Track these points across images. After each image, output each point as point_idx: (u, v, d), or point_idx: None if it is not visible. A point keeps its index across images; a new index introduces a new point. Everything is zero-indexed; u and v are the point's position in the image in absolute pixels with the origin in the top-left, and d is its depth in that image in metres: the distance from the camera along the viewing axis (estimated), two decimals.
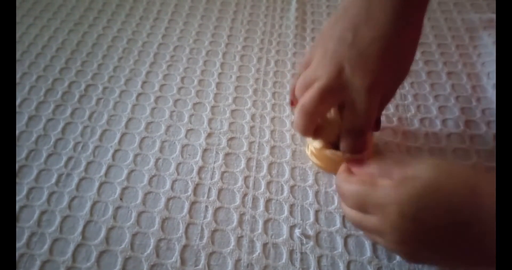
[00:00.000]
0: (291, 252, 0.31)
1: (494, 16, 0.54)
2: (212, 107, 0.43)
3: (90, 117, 0.41)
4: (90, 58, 0.49)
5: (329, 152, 0.34)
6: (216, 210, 0.34)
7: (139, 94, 0.44)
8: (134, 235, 0.32)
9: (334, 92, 0.30)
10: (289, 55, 0.49)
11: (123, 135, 0.40)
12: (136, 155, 0.38)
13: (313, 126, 0.32)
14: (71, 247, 0.31)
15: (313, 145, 0.36)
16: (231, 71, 0.47)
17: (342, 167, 0.31)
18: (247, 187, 0.35)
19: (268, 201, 0.34)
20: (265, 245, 0.32)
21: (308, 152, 0.37)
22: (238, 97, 0.44)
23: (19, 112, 0.42)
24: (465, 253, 0.25)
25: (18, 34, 0.52)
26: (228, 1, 0.58)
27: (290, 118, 0.42)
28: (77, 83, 0.45)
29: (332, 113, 0.34)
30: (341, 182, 0.30)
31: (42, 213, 0.33)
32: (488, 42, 0.50)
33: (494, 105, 0.43)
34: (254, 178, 0.36)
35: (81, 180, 0.36)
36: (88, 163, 0.37)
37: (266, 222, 0.33)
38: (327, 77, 0.30)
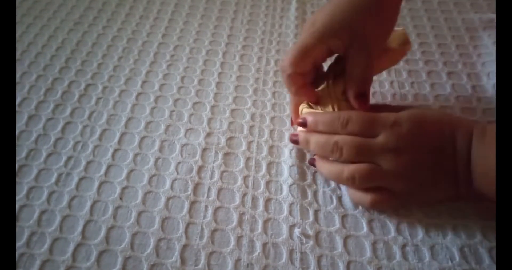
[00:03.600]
0: (290, 252, 0.31)
1: (494, 16, 0.54)
2: (212, 107, 0.43)
3: (89, 117, 0.41)
4: (90, 57, 0.49)
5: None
6: (216, 210, 0.34)
7: (139, 94, 0.44)
8: (134, 235, 0.32)
9: (309, 49, 0.34)
10: None
11: (122, 134, 0.40)
12: (135, 155, 0.38)
13: (295, 86, 0.35)
14: (71, 246, 0.31)
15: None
16: (231, 71, 0.47)
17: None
18: (247, 186, 0.35)
19: (267, 201, 0.34)
20: (264, 244, 0.32)
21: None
22: (238, 96, 0.44)
23: (19, 111, 0.42)
24: (440, 181, 0.31)
25: (18, 33, 0.52)
26: (228, 1, 0.58)
27: (290, 117, 0.41)
28: (77, 82, 0.45)
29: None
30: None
31: (42, 212, 0.33)
32: (488, 43, 0.50)
33: (494, 105, 0.43)
34: (254, 178, 0.36)
35: (81, 179, 0.36)
36: (88, 163, 0.37)
37: (265, 222, 0.33)
38: (302, 37, 0.35)
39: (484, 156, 0.29)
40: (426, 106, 0.43)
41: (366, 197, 0.32)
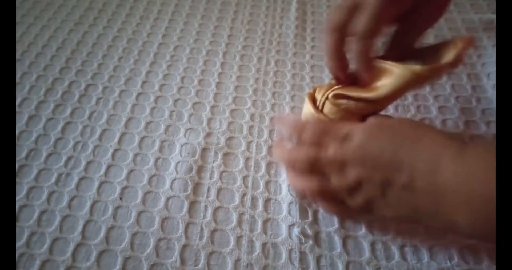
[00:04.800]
0: (290, 252, 0.31)
1: (494, 16, 0.54)
2: (212, 107, 0.43)
3: (90, 117, 0.41)
4: (90, 57, 0.49)
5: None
6: (216, 210, 0.34)
7: (139, 94, 0.44)
8: (133, 235, 0.32)
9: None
10: (289, 55, 0.49)
11: (122, 134, 0.40)
12: (135, 155, 0.38)
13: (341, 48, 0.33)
14: (71, 246, 0.31)
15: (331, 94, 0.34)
16: (231, 71, 0.47)
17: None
18: (246, 186, 0.36)
19: (267, 201, 0.35)
20: (264, 244, 0.32)
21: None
22: (238, 96, 0.44)
23: (19, 111, 0.42)
24: (391, 200, 0.26)
25: (18, 34, 0.52)
26: (228, 1, 0.58)
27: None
28: (77, 82, 0.45)
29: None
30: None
31: (42, 212, 0.33)
32: (488, 45, 0.50)
33: (494, 105, 0.43)
34: (253, 178, 0.36)
35: (81, 179, 0.36)
36: (88, 163, 0.37)
37: (265, 222, 0.33)
38: None
39: (466, 183, 0.23)
40: (426, 107, 0.43)
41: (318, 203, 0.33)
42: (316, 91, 0.36)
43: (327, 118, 0.34)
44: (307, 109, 0.35)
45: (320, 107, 0.35)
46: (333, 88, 0.34)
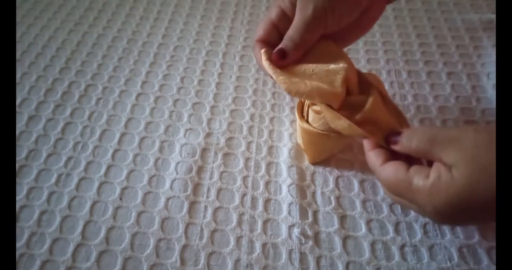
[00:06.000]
0: (290, 252, 0.31)
1: (494, 16, 0.54)
2: (212, 107, 0.43)
3: (89, 117, 0.41)
4: (90, 58, 0.49)
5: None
6: (216, 210, 0.34)
7: (139, 94, 0.44)
8: (133, 235, 0.32)
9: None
10: None
11: (122, 135, 0.40)
12: (135, 155, 0.38)
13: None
14: (71, 247, 0.31)
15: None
16: (231, 71, 0.47)
17: (368, 142, 0.30)
18: (246, 187, 0.36)
19: (266, 201, 0.35)
20: (264, 245, 0.32)
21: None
22: (238, 97, 0.44)
23: (19, 112, 0.42)
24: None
25: (18, 34, 0.52)
26: (228, 1, 0.58)
27: (290, 117, 0.42)
28: (77, 83, 0.45)
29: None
30: (376, 167, 0.29)
31: (42, 213, 0.33)
32: (487, 45, 0.50)
33: (494, 105, 0.43)
34: (253, 178, 0.36)
35: (80, 180, 0.36)
36: (88, 163, 0.37)
37: (265, 222, 0.33)
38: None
39: None
40: (426, 107, 0.43)
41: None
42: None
43: (311, 126, 0.34)
44: (297, 118, 0.36)
45: (306, 116, 0.35)
46: None
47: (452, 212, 0.25)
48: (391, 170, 0.28)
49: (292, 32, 0.31)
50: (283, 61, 0.31)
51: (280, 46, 0.32)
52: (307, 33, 0.31)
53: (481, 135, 0.25)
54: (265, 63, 0.31)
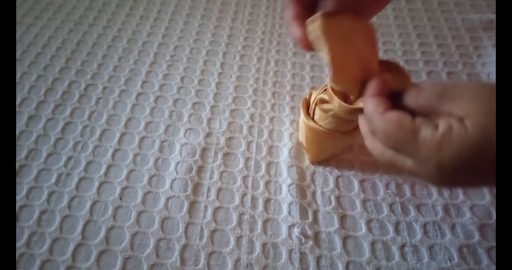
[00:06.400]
0: (290, 252, 0.31)
1: (494, 16, 0.54)
2: (212, 107, 0.43)
3: (89, 117, 0.41)
4: (90, 57, 0.49)
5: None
6: (216, 210, 0.34)
7: (139, 94, 0.44)
8: (133, 235, 0.32)
9: None
10: (289, 55, 0.49)
11: (122, 134, 0.40)
12: (135, 155, 0.38)
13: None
14: (71, 246, 0.31)
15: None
16: (231, 71, 0.47)
17: (373, 86, 0.27)
18: (246, 187, 0.36)
19: (267, 201, 0.35)
20: (264, 245, 0.32)
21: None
22: (238, 96, 0.44)
23: (19, 111, 0.42)
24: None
25: (18, 34, 0.52)
26: (228, 1, 0.58)
27: (290, 117, 0.42)
28: (77, 82, 0.45)
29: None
30: (374, 113, 0.25)
31: (42, 212, 0.33)
32: (488, 45, 0.50)
33: None
34: (253, 178, 0.36)
35: (80, 179, 0.36)
36: (88, 163, 0.37)
37: (265, 222, 0.33)
38: None
39: None
40: None
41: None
42: (312, 96, 0.35)
43: (317, 125, 0.34)
44: (302, 115, 0.35)
45: (311, 114, 0.35)
46: (318, 92, 0.33)
47: (458, 168, 0.22)
48: (395, 118, 0.25)
49: None
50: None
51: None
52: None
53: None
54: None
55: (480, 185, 0.28)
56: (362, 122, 0.28)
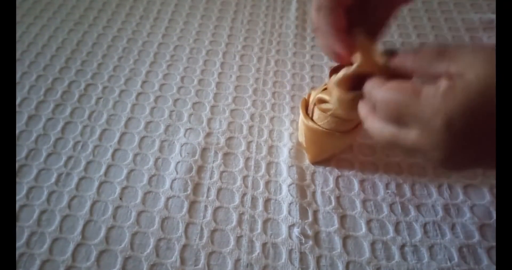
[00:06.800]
0: (290, 252, 0.31)
1: (494, 16, 0.54)
2: (212, 107, 0.43)
3: (89, 117, 0.41)
4: (90, 57, 0.49)
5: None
6: (216, 210, 0.34)
7: (139, 94, 0.44)
8: (133, 235, 0.32)
9: None
10: (289, 55, 0.49)
11: (122, 134, 0.40)
12: (135, 155, 0.38)
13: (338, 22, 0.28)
14: (71, 246, 0.31)
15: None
16: (231, 71, 0.47)
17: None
18: (246, 186, 0.36)
19: (267, 201, 0.35)
20: (264, 244, 0.32)
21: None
22: (238, 96, 0.44)
23: (19, 111, 0.42)
24: None
25: (18, 34, 0.52)
26: (228, 1, 0.58)
27: (290, 117, 0.42)
28: (77, 82, 0.45)
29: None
30: (374, 87, 0.25)
31: (42, 212, 0.33)
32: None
33: None
34: (253, 178, 0.36)
35: (80, 179, 0.36)
36: (88, 163, 0.37)
37: (265, 222, 0.33)
38: None
39: None
40: None
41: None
42: (310, 96, 0.35)
43: (316, 125, 0.34)
44: (301, 115, 0.35)
45: (310, 114, 0.35)
46: (317, 92, 0.33)
47: (468, 121, 0.21)
48: (394, 84, 0.24)
49: None
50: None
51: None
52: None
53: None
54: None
55: (489, 155, 0.23)
56: (361, 105, 0.27)
